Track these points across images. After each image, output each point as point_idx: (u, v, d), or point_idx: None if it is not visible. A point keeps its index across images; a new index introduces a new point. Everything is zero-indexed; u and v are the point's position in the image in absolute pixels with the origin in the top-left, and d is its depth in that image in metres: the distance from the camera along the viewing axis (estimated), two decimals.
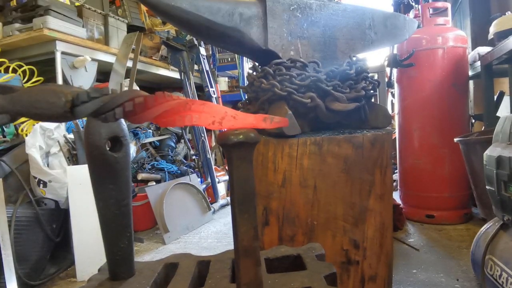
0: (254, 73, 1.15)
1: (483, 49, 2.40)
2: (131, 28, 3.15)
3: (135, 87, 2.95)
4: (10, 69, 2.25)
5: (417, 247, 1.99)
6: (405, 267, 1.74)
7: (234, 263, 0.50)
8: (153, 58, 3.47)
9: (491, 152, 1.26)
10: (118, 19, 3.00)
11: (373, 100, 1.19)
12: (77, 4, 2.70)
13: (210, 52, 4.16)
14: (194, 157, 3.45)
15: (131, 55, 2.83)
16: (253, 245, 0.47)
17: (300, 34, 1.13)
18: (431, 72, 2.35)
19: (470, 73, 2.55)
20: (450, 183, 2.35)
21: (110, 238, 0.57)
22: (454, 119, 2.37)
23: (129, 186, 0.58)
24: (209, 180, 3.21)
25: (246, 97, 1.22)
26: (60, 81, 2.33)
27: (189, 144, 3.54)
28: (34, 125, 2.03)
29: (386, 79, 2.76)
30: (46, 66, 2.45)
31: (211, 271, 0.60)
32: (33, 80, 2.32)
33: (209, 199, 2.95)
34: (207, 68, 3.45)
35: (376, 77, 2.35)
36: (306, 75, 1.04)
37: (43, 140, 1.96)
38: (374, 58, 4.62)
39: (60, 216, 1.93)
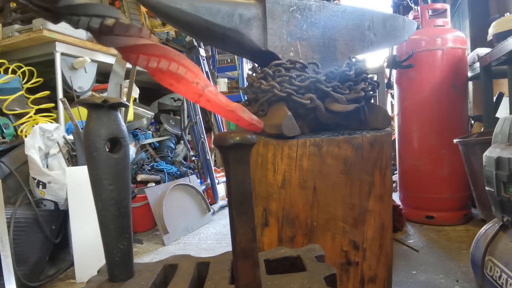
0: (254, 74, 1.16)
1: (482, 50, 2.41)
2: None
3: (135, 88, 2.95)
4: (10, 70, 2.25)
5: (417, 248, 1.99)
6: (405, 268, 1.73)
7: (233, 265, 0.50)
8: None
9: (491, 153, 1.26)
10: None
11: (372, 101, 1.19)
12: None
13: (210, 53, 4.16)
14: (193, 158, 3.45)
15: None
16: (251, 247, 0.47)
17: (300, 35, 1.13)
18: (430, 73, 2.36)
19: (469, 74, 2.56)
20: (449, 184, 2.35)
21: (109, 239, 0.57)
22: (453, 120, 2.37)
23: (128, 187, 0.58)
24: (208, 181, 3.21)
25: (246, 98, 1.22)
26: (59, 82, 2.33)
27: (188, 145, 3.54)
28: (33, 126, 2.03)
29: (386, 80, 2.77)
30: (45, 67, 2.45)
31: (211, 272, 0.60)
32: (33, 81, 2.32)
33: (208, 200, 2.95)
34: (207, 69, 3.45)
35: (375, 78, 2.36)
36: (305, 76, 1.04)
37: (42, 141, 1.95)
38: (374, 59, 4.63)
39: (59, 217, 1.93)
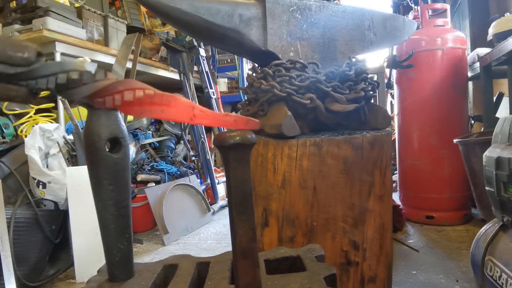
0: (254, 74, 1.16)
1: (482, 50, 2.41)
2: (130, 29, 3.15)
3: None
4: None
5: (417, 248, 1.99)
6: (405, 268, 1.73)
7: (233, 264, 0.50)
8: (153, 59, 3.47)
9: (491, 153, 1.26)
10: (118, 20, 3.00)
11: (372, 101, 1.19)
12: (76, 5, 2.70)
13: (210, 53, 4.16)
14: (193, 158, 3.45)
15: (131, 56, 2.83)
16: (251, 247, 0.47)
17: (300, 35, 1.13)
18: (430, 73, 2.36)
19: (469, 74, 2.56)
20: (449, 184, 2.35)
21: (109, 239, 0.56)
22: (454, 120, 2.37)
23: (128, 187, 0.58)
24: (208, 181, 3.21)
25: (246, 98, 1.22)
26: None
27: (188, 145, 3.54)
28: (33, 126, 2.03)
29: (386, 80, 2.77)
30: None
31: (211, 272, 0.60)
32: None
33: (208, 200, 2.95)
34: (207, 69, 3.45)
35: (375, 78, 2.36)
36: (305, 76, 1.04)
37: (42, 141, 1.95)
38: (374, 59, 4.63)
39: (59, 217, 1.93)
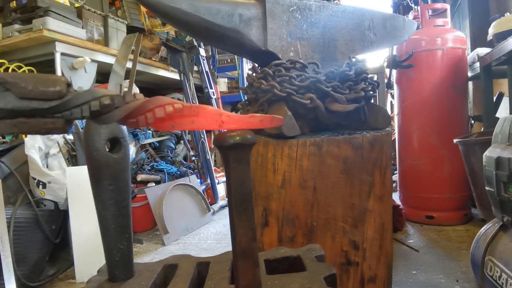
0: (254, 74, 1.16)
1: (482, 50, 2.41)
2: (130, 29, 3.15)
3: (135, 88, 2.95)
4: (10, 70, 2.25)
5: (417, 248, 1.99)
6: (405, 268, 1.73)
7: (233, 264, 0.50)
8: (153, 59, 3.47)
9: (491, 153, 1.26)
10: (118, 20, 3.00)
11: (372, 101, 1.19)
12: (76, 5, 2.70)
13: (210, 53, 4.16)
14: (193, 158, 3.45)
15: (131, 56, 2.83)
16: (251, 247, 0.47)
17: (300, 35, 1.13)
18: (430, 73, 2.36)
19: (469, 74, 2.56)
20: (449, 184, 2.35)
21: (109, 239, 0.57)
22: (454, 120, 2.37)
23: (128, 187, 0.58)
24: (208, 181, 3.21)
25: (246, 98, 1.22)
26: None
27: (188, 145, 3.54)
28: None
29: (386, 80, 2.77)
30: (45, 67, 2.45)
31: (211, 272, 0.60)
32: None
33: (208, 200, 2.95)
34: (207, 69, 3.45)
35: (375, 78, 2.35)
36: (305, 76, 1.04)
37: (42, 141, 1.95)
38: (374, 59, 4.64)
39: (59, 217, 1.93)
